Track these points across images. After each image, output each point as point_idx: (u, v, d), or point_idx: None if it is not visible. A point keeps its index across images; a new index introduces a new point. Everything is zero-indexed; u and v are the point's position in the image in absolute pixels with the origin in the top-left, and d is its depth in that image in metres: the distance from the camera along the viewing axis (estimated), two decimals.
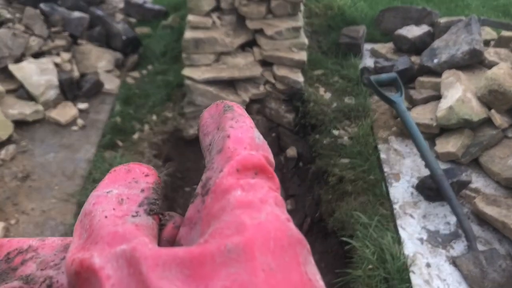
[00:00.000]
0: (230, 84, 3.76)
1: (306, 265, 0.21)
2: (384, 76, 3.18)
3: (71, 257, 0.22)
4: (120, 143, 3.29)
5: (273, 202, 0.23)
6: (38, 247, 0.28)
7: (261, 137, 0.28)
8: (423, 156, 2.72)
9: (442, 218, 2.60)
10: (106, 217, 0.24)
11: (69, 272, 0.22)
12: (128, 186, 0.27)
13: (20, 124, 3.37)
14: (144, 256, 0.20)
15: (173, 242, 0.26)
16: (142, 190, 0.27)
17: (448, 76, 3.20)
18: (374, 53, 4.18)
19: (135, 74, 4.09)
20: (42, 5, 4.06)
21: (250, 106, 3.78)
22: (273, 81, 3.70)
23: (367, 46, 4.29)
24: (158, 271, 0.20)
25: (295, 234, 0.21)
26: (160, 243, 0.26)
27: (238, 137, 0.26)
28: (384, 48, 4.15)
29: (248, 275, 0.19)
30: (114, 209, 0.25)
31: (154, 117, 3.56)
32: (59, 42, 3.85)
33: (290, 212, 3.19)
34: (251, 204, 0.22)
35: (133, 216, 0.24)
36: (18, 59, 3.63)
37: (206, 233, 0.22)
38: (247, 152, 0.25)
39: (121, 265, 0.21)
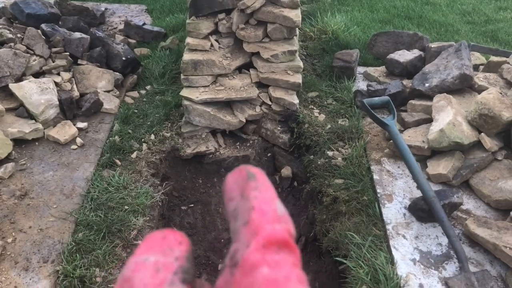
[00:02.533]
0: (227, 105, 3.84)
1: None
2: (377, 99, 3.28)
3: None
4: (118, 162, 3.33)
5: (296, 279, 0.24)
6: None
7: (282, 207, 0.30)
8: (415, 178, 2.79)
9: (434, 239, 2.66)
10: (145, 285, 0.26)
11: None
12: (163, 253, 0.28)
13: (19, 142, 3.41)
14: None
15: None
16: (177, 259, 0.28)
17: (439, 100, 3.30)
18: (367, 76, 4.29)
19: (134, 94, 4.16)
20: (43, 26, 4.15)
21: (246, 127, 3.86)
22: (269, 102, 3.78)
23: (360, 70, 4.40)
24: None
25: None
26: None
27: (262, 209, 0.28)
28: (377, 71, 4.26)
29: None
30: (152, 277, 0.26)
31: (152, 137, 3.62)
32: (60, 62, 3.92)
33: None
34: (276, 282, 0.24)
35: (169, 285, 0.26)
36: (19, 79, 3.69)
37: None
38: (271, 228, 0.27)
39: None
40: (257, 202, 0.29)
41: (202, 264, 3.21)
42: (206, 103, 3.69)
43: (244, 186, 0.31)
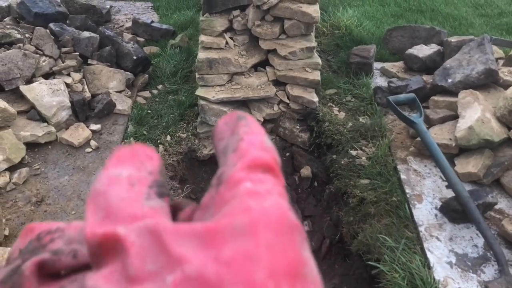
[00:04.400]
0: (244, 104, 3.74)
1: (302, 248, 0.24)
2: (402, 96, 3.19)
3: (91, 231, 0.24)
4: None
5: (277, 194, 0.25)
6: (65, 228, 0.31)
7: (269, 142, 0.30)
8: (447, 178, 2.70)
9: (469, 241, 2.57)
10: (122, 199, 0.25)
11: (90, 244, 0.24)
12: (136, 168, 0.28)
13: (31, 146, 3.31)
14: (164, 228, 0.23)
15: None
16: (150, 173, 0.28)
17: (465, 96, 3.21)
18: (385, 72, 4.19)
19: (146, 94, 4.05)
20: (51, 25, 4.03)
21: (264, 126, 3.75)
22: (287, 101, 3.68)
23: (376, 65, 4.31)
24: (177, 240, 0.22)
25: (294, 222, 0.24)
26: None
27: (250, 140, 0.29)
28: (395, 67, 4.17)
29: (252, 247, 0.22)
30: (127, 191, 0.26)
31: (168, 138, 3.52)
32: (70, 62, 3.81)
33: (307, 233, 3.14)
34: (258, 193, 0.25)
35: (146, 198, 0.26)
36: (29, 80, 3.58)
37: (218, 214, 0.24)
38: (257, 153, 0.28)
39: (144, 235, 0.23)
40: (246, 135, 0.30)
41: None
42: (222, 102, 3.59)
43: (235, 125, 0.31)
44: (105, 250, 0.23)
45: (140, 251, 0.22)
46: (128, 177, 0.27)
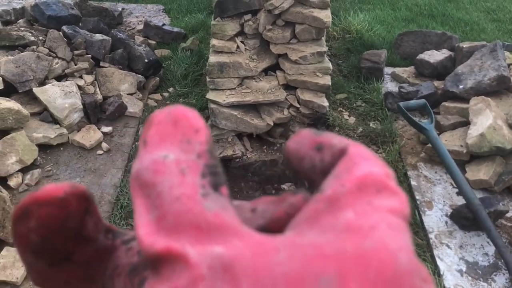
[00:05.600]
0: (254, 108, 3.75)
1: None
2: (413, 102, 3.18)
3: (150, 238, 0.21)
4: None
5: (386, 228, 0.21)
6: None
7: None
8: (458, 185, 2.69)
9: (480, 249, 2.56)
10: (177, 198, 0.22)
11: (148, 252, 0.21)
12: (182, 149, 0.24)
13: (43, 147, 3.34)
14: (241, 264, 0.19)
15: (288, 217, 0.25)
16: (199, 155, 0.24)
17: (476, 102, 3.20)
18: (395, 77, 4.19)
19: (157, 96, 4.08)
20: (64, 28, 4.07)
21: (273, 130, 3.77)
22: (297, 105, 3.69)
23: (387, 70, 4.30)
24: (254, 284, 0.19)
25: (405, 266, 0.19)
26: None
27: (356, 151, 0.24)
28: (405, 72, 4.16)
29: None
30: (180, 184, 0.23)
31: None
32: (82, 64, 3.85)
33: None
34: (359, 230, 0.21)
35: (203, 195, 0.22)
36: (42, 82, 3.62)
37: (304, 234, 0.21)
38: (369, 167, 0.23)
39: (216, 268, 0.19)
40: (349, 146, 0.25)
41: None
42: (232, 106, 3.60)
43: (314, 140, 0.27)
44: (165, 265, 0.21)
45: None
46: (177, 161, 0.24)
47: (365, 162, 0.24)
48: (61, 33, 3.99)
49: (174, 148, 0.24)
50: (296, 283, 0.19)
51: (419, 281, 0.19)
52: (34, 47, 3.76)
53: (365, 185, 0.22)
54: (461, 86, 3.45)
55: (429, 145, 3.07)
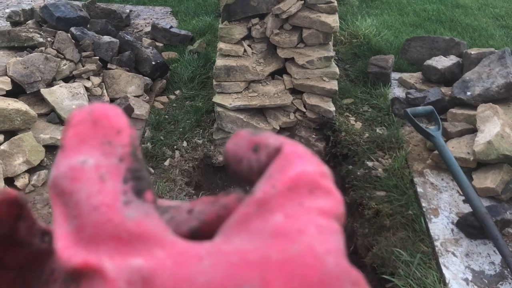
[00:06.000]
0: (260, 112, 3.75)
1: None
2: (420, 109, 3.17)
3: (68, 251, 0.20)
4: (152, 170, 3.26)
5: (314, 231, 0.20)
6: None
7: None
8: (465, 193, 2.68)
9: (486, 258, 2.54)
10: (96, 207, 0.21)
11: (66, 265, 0.20)
12: (102, 152, 0.23)
13: (50, 148, 3.36)
14: (164, 283, 0.19)
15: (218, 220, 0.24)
16: (121, 159, 0.23)
17: (484, 109, 3.18)
18: (402, 83, 4.17)
19: (163, 99, 4.09)
20: (73, 29, 4.09)
21: (280, 134, 3.76)
22: (303, 109, 3.68)
23: (394, 75, 4.28)
24: None
25: (332, 270, 0.19)
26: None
27: (290, 149, 0.23)
28: (413, 78, 4.14)
29: None
30: (99, 191, 0.21)
31: (185, 144, 3.54)
32: (90, 66, 3.86)
33: None
34: (286, 234, 0.20)
35: (124, 203, 0.21)
36: (49, 83, 3.64)
37: (231, 240, 0.20)
38: (302, 166, 0.23)
39: (135, 282, 0.19)
40: (285, 144, 0.24)
41: None
42: (239, 109, 3.60)
43: (251, 140, 0.25)
44: (82, 279, 0.20)
45: None
46: (96, 166, 0.22)
47: (299, 161, 0.23)
48: (69, 34, 4.01)
49: (94, 152, 0.23)
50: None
51: (348, 285, 0.19)
52: (43, 48, 3.78)
53: (296, 185, 0.22)
54: (468, 93, 3.44)
55: (436, 152, 3.05)
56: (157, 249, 0.20)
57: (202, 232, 0.24)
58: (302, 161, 0.23)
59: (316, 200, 0.22)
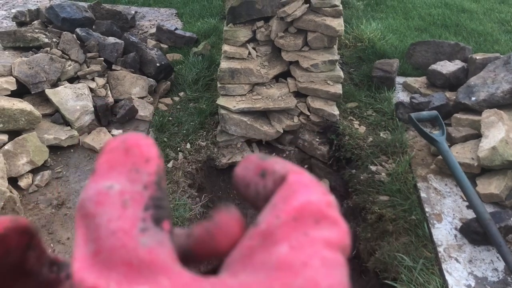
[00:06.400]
0: (264, 115, 3.75)
1: None
2: (425, 113, 3.16)
3: (81, 274, 0.21)
4: None
5: (319, 264, 0.20)
6: None
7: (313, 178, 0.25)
8: (468, 199, 2.66)
9: (490, 264, 2.53)
10: (113, 232, 0.22)
11: (77, 287, 0.20)
12: (129, 179, 0.24)
13: (54, 149, 3.37)
14: None
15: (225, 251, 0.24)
16: (145, 186, 0.24)
17: (489, 115, 3.17)
18: (407, 87, 4.16)
19: (168, 100, 4.10)
20: (78, 30, 4.11)
21: (283, 137, 3.76)
22: (307, 113, 3.68)
23: (399, 80, 4.27)
24: None
25: None
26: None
27: (296, 178, 0.24)
28: (417, 82, 4.13)
29: None
30: (119, 218, 0.22)
31: (188, 146, 3.54)
32: (94, 67, 3.88)
33: None
34: (291, 267, 0.20)
35: (141, 230, 0.22)
36: (54, 84, 3.65)
37: (236, 275, 0.20)
38: (307, 195, 0.23)
39: None
40: (291, 173, 0.24)
41: None
42: (243, 112, 3.60)
43: (259, 165, 0.26)
44: None
45: None
46: (120, 192, 0.23)
47: (304, 190, 0.23)
48: (74, 35, 4.02)
49: (121, 178, 0.24)
50: None
51: None
52: (48, 49, 3.80)
53: (302, 215, 0.22)
54: (473, 98, 3.42)
55: (440, 157, 3.04)
56: (163, 278, 0.20)
57: (195, 252, 0.25)
58: (307, 190, 0.23)
59: (321, 230, 0.22)
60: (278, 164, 0.26)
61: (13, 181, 3.00)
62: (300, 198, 0.23)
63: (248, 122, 3.61)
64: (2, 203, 2.58)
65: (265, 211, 0.23)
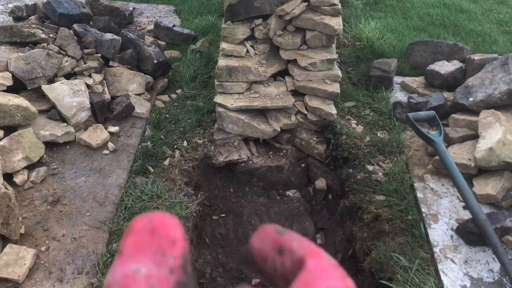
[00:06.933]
0: (261, 113, 3.74)
1: None
2: (422, 113, 3.16)
3: None
4: (151, 169, 3.25)
5: None
6: None
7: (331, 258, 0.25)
8: (465, 200, 2.66)
9: (485, 265, 2.53)
10: None
11: None
12: (155, 262, 0.24)
13: (50, 145, 3.34)
14: None
15: None
16: (171, 271, 0.24)
17: (486, 116, 3.17)
18: (405, 87, 4.16)
19: (165, 97, 4.08)
20: (75, 26, 4.08)
21: (280, 136, 3.75)
22: (305, 111, 3.67)
23: (397, 79, 4.27)
24: None
25: None
26: None
27: (316, 263, 0.24)
28: (415, 82, 4.13)
29: None
30: None
31: (185, 143, 3.53)
32: (91, 63, 3.85)
33: (319, 246, 3.13)
34: None
35: None
36: (51, 80, 3.63)
37: None
38: (327, 284, 0.23)
39: None
40: (308, 256, 0.25)
41: (235, 277, 3.11)
42: (240, 110, 3.59)
43: (276, 240, 0.27)
44: None
45: None
46: (147, 276, 0.23)
47: (324, 276, 0.24)
48: (71, 31, 3.99)
49: (148, 261, 0.24)
50: None
51: None
52: (45, 44, 3.77)
53: None
54: (471, 99, 3.42)
55: (437, 157, 3.04)
56: None
57: None
58: (327, 276, 0.24)
59: None
60: (295, 241, 0.26)
61: (8, 177, 2.98)
62: (320, 285, 0.23)
63: (246, 120, 3.60)
64: None
65: None
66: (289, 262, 0.25)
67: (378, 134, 3.52)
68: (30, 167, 3.12)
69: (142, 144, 3.47)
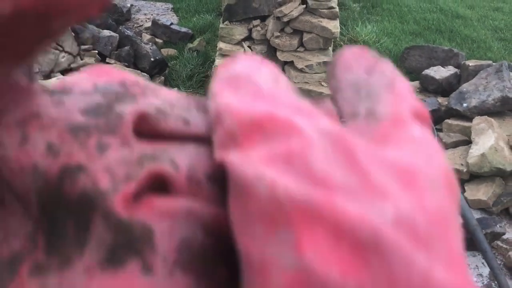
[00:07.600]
0: None
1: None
2: None
3: (245, 108, 0.18)
4: None
5: (438, 145, 0.20)
6: (152, 87, 0.22)
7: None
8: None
9: (474, 270, 2.56)
10: (270, 88, 0.20)
11: (236, 120, 0.18)
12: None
13: None
14: (355, 143, 0.17)
15: None
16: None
17: (479, 122, 3.21)
18: None
19: None
20: None
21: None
22: None
23: None
24: (373, 164, 0.17)
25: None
26: None
27: (405, 85, 0.23)
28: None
29: (448, 207, 0.18)
30: (274, 83, 0.21)
31: None
32: (88, 60, 3.86)
33: None
34: (427, 142, 0.19)
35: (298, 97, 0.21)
36: (47, 75, 3.63)
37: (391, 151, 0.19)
38: (416, 101, 0.22)
39: (327, 140, 0.17)
40: (398, 79, 0.23)
41: None
42: None
43: (372, 64, 0.24)
44: (253, 131, 0.18)
45: (324, 157, 0.16)
46: (270, 72, 0.21)
47: (411, 95, 0.23)
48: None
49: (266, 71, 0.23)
50: (411, 174, 0.17)
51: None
52: None
53: (416, 114, 0.21)
54: (465, 105, 3.46)
55: None
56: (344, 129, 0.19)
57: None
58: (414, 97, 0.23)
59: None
60: (387, 65, 0.24)
61: None
62: (413, 101, 0.22)
63: None
64: None
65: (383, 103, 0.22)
66: (377, 79, 0.23)
67: None
68: None
69: None
